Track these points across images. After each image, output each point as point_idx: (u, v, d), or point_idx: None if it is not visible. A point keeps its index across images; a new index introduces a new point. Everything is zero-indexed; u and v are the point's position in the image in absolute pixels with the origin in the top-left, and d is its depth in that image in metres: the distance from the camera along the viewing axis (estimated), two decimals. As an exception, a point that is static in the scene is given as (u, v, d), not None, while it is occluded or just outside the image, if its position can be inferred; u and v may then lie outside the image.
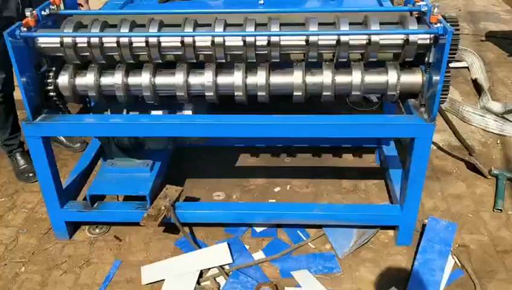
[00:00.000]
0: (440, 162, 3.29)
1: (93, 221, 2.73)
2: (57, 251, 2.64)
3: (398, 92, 2.33)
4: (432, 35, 2.18)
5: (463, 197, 2.98)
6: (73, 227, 2.74)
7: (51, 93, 2.38)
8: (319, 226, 2.70)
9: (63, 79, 2.38)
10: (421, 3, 2.37)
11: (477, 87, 4.21)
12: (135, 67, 2.42)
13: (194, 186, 3.12)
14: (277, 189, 3.08)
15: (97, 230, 2.75)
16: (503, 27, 5.72)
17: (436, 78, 2.17)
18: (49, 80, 2.36)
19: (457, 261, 2.50)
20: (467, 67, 4.55)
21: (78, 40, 2.27)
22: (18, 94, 2.36)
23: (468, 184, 3.09)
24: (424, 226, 2.63)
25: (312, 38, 2.21)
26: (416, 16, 2.40)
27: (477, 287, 2.35)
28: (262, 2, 2.77)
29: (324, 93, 2.34)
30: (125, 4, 2.97)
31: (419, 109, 2.35)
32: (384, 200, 2.97)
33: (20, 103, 2.48)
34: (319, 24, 2.27)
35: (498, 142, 3.51)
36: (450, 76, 2.23)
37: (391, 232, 2.69)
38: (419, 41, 2.21)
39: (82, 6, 3.03)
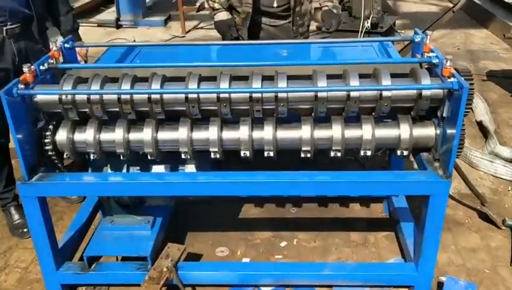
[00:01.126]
0: (451, 212, 3.18)
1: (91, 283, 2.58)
2: (51, 316, 2.49)
3: (411, 147, 2.24)
4: (446, 90, 2.10)
5: (477, 250, 2.86)
6: (69, 289, 2.59)
7: (48, 151, 2.28)
8: (330, 286, 2.56)
9: (62, 136, 2.28)
10: (431, 54, 2.31)
11: (483, 130, 4.14)
12: (136, 121, 2.33)
13: (196, 240, 2.99)
14: (283, 244, 2.94)
15: (95, 291, 2.60)
16: (503, 66, 5.71)
17: (451, 133, 2.08)
18: (47, 137, 2.26)
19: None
20: (471, 109, 4.49)
21: (77, 96, 2.19)
22: (12, 142, 2.23)
23: (482, 236, 2.97)
24: (440, 284, 2.49)
25: (321, 94, 2.13)
26: (426, 66, 2.35)
27: None
28: (285, 53, 2.70)
29: (334, 148, 2.25)
30: (125, 54, 2.91)
31: (433, 164, 2.26)
32: (395, 254, 2.84)
33: (14, 151, 2.36)
34: (328, 77, 2.20)
35: (509, 189, 3.41)
36: (464, 130, 2.15)
37: (406, 291, 2.56)
38: (432, 96, 2.14)
39: (81, 57, 2.96)
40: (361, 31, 4.53)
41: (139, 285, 2.36)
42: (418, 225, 2.79)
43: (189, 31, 7.38)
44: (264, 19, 3.40)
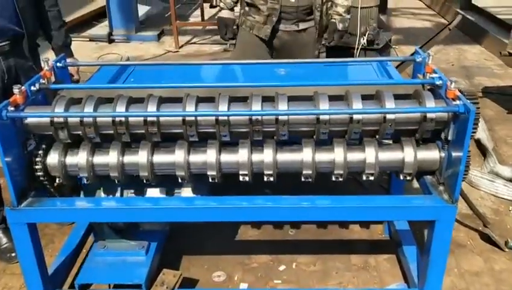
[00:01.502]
0: (452, 233, 3.09)
1: (82, 313, 2.46)
2: None
3: (416, 170, 2.18)
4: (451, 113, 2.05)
5: (481, 273, 2.79)
6: (59, 319, 2.48)
7: (39, 175, 2.18)
8: (332, 314, 2.48)
9: (53, 159, 2.19)
10: (434, 75, 2.26)
11: (481, 148, 4.10)
12: (130, 143, 2.26)
13: (191, 264, 2.89)
14: (282, 267, 2.85)
15: (86, 321, 2.49)
16: (499, 82, 5.70)
17: (457, 156, 2.02)
18: (38, 160, 2.17)
19: None
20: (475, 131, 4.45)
21: (70, 118, 2.10)
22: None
23: (485, 258, 2.90)
24: (444, 310, 2.41)
25: (323, 117, 2.07)
26: (429, 88, 2.30)
27: None
28: (283, 72, 2.65)
29: (336, 172, 2.18)
30: (118, 72, 2.84)
31: (438, 187, 2.19)
32: (397, 278, 2.76)
33: (2, 170, 2.26)
34: (329, 98, 2.14)
35: (511, 209, 3.36)
36: (470, 152, 2.09)
37: (409, 318, 2.48)
38: (437, 118, 2.08)
39: (73, 75, 2.88)
40: (358, 48, 4.50)
41: (132, 314, 2.27)
42: (420, 248, 2.73)
43: (183, 46, 7.32)
44: (281, 26, 3.41)
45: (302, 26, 3.44)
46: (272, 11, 3.34)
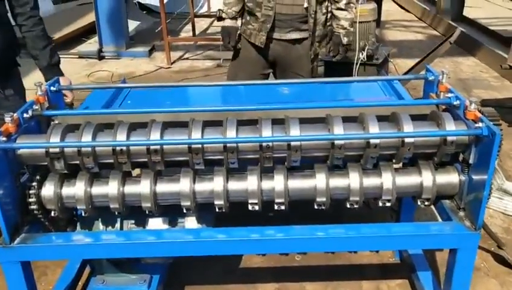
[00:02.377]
0: (465, 255, 3.00)
1: None
2: None
3: (435, 195, 2.06)
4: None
5: (498, 298, 2.68)
6: None
7: (33, 208, 2.03)
8: None
9: (48, 190, 2.04)
10: (449, 95, 2.16)
11: (485, 163, 4.01)
12: (131, 172, 2.12)
13: (195, 295, 2.74)
14: (291, 297, 2.72)
15: None
16: (496, 94, 5.66)
17: (480, 181, 1.91)
18: (31, 192, 2.01)
19: None
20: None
21: (67, 149, 1.96)
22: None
23: (501, 282, 2.79)
24: None
25: (338, 142, 1.95)
26: (444, 108, 2.20)
27: None
28: (286, 91, 2.55)
29: (351, 199, 2.06)
30: (114, 94, 2.71)
31: (458, 213, 2.08)
32: (412, 306, 2.63)
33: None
34: (342, 120, 2.02)
35: (522, 227, 3.27)
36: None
37: None
38: (457, 141, 1.97)
39: (67, 96, 2.73)
40: (357, 63, 4.41)
41: None
42: (435, 273, 2.62)
43: (175, 61, 7.19)
44: (275, 34, 3.40)
45: (296, 35, 3.42)
46: (266, 17, 3.34)
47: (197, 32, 8.39)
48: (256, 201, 2.05)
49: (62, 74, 2.88)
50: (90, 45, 7.76)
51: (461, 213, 2.07)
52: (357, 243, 2.06)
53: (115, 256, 2.20)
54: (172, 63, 7.09)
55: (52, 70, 2.83)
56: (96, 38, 7.57)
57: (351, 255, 3.02)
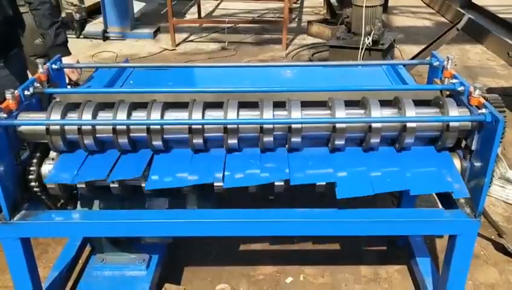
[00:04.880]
0: (464, 242, 2.99)
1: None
2: None
3: (436, 181, 2.05)
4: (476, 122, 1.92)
5: (497, 286, 2.68)
6: (54, 337, 2.33)
7: (33, 185, 2.03)
8: (343, 331, 2.35)
9: (48, 168, 2.04)
10: (454, 80, 2.13)
11: (489, 151, 3.98)
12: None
13: (194, 276, 2.75)
14: (289, 280, 2.72)
15: (83, 339, 2.34)
16: (502, 83, 5.61)
17: (482, 168, 1.90)
18: (32, 170, 2.02)
19: None
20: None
21: (67, 126, 1.95)
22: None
23: (500, 270, 2.79)
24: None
25: (340, 125, 1.93)
26: (448, 94, 2.17)
27: None
28: (289, 74, 2.52)
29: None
30: (117, 74, 2.69)
31: (459, 200, 2.06)
32: (410, 291, 2.64)
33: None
34: (345, 104, 2.01)
35: (523, 217, 3.26)
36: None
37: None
38: (460, 128, 1.95)
39: (71, 77, 2.71)
40: (362, 48, 4.36)
41: (133, 333, 2.12)
42: (435, 261, 2.62)
43: (180, 43, 7.15)
44: None
45: None
46: None
47: (202, 15, 8.33)
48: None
49: (69, 54, 2.86)
50: (95, 26, 7.71)
51: (462, 200, 2.05)
52: (357, 227, 2.05)
53: (115, 235, 2.21)
54: (177, 45, 7.05)
55: (58, 49, 2.80)
56: (101, 18, 7.52)
57: (350, 239, 3.02)
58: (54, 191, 2.06)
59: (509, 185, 3.43)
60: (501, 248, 2.92)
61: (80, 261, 2.75)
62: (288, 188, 2.04)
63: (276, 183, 2.04)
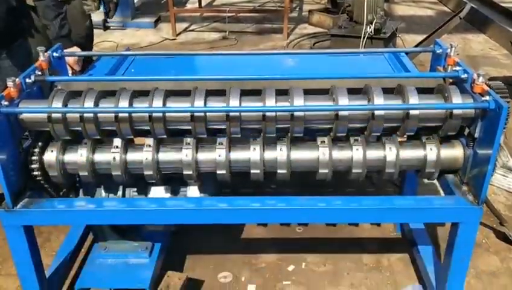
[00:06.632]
0: (466, 231, 3.00)
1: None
2: None
3: (439, 169, 2.05)
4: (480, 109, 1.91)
5: (498, 274, 2.69)
6: (58, 325, 2.35)
7: (36, 173, 2.03)
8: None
9: (50, 156, 2.04)
10: (457, 68, 2.12)
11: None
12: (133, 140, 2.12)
13: (197, 264, 2.76)
14: (291, 267, 2.73)
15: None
16: (505, 72, 5.58)
17: (485, 155, 1.89)
18: (34, 158, 2.01)
19: None
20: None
21: (69, 114, 1.95)
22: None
23: (502, 258, 2.80)
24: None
25: (342, 113, 1.93)
26: (451, 81, 2.16)
27: None
28: (292, 62, 2.51)
29: (354, 171, 2.04)
30: (118, 63, 2.67)
31: (461, 188, 2.06)
32: (412, 279, 2.65)
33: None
34: (347, 91, 2.00)
35: (525, 205, 3.26)
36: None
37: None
38: (463, 115, 1.95)
39: (73, 67, 2.71)
40: (364, 37, 4.34)
41: (136, 319, 2.14)
42: (437, 249, 2.63)
43: (180, 33, 7.12)
44: None
45: None
46: None
47: (203, 4, 8.28)
48: (258, 171, 2.04)
49: (73, 45, 2.86)
50: (96, 15, 7.64)
51: (464, 188, 2.06)
52: (359, 215, 2.06)
53: (117, 223, 2.22)
54: (177, 35, 7.02)
55: (63, 41, 2.78)
56: (101, 8, 7.46)
57: (352, 228, 3.03)
58: (57, 179, 2.08)
59: (511, 174, 3.43)
60: (502, 237, 2.93)
61: (83, 250, 2.76)
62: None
63: (278, 171, 2.05)
